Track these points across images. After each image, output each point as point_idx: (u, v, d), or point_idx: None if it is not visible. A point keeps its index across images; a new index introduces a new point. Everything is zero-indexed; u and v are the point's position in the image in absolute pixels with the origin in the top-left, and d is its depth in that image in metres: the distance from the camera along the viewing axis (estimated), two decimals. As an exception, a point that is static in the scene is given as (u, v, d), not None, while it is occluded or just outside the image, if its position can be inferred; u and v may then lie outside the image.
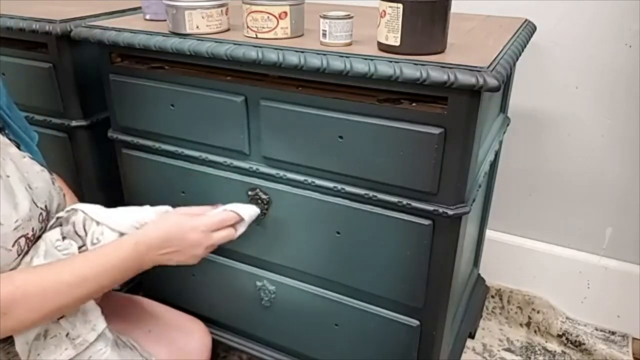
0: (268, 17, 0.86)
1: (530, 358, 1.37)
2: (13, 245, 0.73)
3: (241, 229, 0.88)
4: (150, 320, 0.96)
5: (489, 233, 1.42)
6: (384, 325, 0.98)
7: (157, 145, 1.06)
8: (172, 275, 1.18)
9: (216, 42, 0.89)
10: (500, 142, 1.19)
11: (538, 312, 1.43)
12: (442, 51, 0.80)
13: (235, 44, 0.87)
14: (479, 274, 1.45)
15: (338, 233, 0.94)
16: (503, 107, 1.19)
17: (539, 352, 1.39)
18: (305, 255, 1.00)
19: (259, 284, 1.09)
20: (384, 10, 0.77)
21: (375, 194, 0.88)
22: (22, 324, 0.69)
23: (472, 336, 1.42)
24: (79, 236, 0.82)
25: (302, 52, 0.82)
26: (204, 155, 1.02)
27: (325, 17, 0.83)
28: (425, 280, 0.91)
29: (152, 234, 0.79)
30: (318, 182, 0.92)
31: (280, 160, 0.94)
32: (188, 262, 0.83)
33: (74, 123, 1.15)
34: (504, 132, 1.19)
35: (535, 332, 1.45)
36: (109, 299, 0.89)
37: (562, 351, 1.39)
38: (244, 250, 1.07)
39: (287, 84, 0.89)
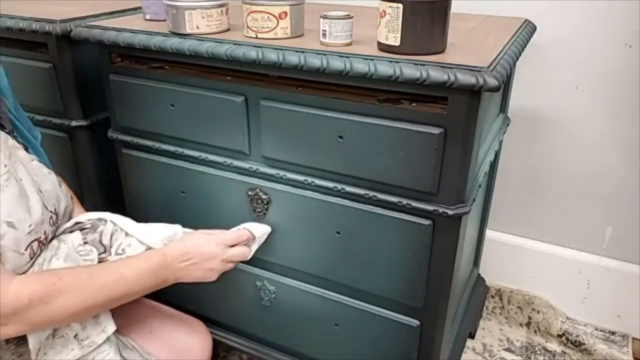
0: (268, 17, 0.86)
1: (530, 358, 1.37)
2: (26, 249, 0.73)
3: (254, 247, 0.96)
4: (151, 321, 0.96)
5: (489, 233, 1.42)
6: (384, 325, 0.98)
7: (157, 145, 1.06)
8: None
9: (216, 42, 0.89)
10: (500, 142, 1.19)
11: (538, 312, 1.43)
12: (442, 51, 0.80)
13: (235, 44, 0.87)
14: (479, 274, 1.45)
15: (338, 233, 0.94)
16: (503, 107, 1.19)
17: (539, 352, 1.39)
18: (305, 255, 1.00)
19: (259, 284, 1.09)
20: (384, 10, 0.77)
21: (375, 194, 0.88)
22: (60, 316, 0.71)
23: (472, 336, 1.42)
24: (103, 245, 0.84)
25: (302, 52, 0.82)
26: (204, 155, 1.02)
27: (325, 17, 0.83)
28: (425, 280, 0.91)
29: (176, 247, 0.85)
30: (318, 182, 0.92)
31: (280, 160, 0.94)
32: (206, 277, 0.88)
33: (74, 123, 1.15)
34: (504, 132, 1.19)
35: (535, 332, 1.45)
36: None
37: (562, 351, 1.39)
38: (244, 250, 1.07)
39: (287, 84, 0.89)
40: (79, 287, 0.71)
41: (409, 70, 0.76)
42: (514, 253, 1.45)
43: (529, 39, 1.02)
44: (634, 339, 1.37)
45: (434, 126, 0.79)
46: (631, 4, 1.11)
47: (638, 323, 1.36)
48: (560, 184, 1.34)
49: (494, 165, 1.25)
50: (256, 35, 0.89)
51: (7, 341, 0.77)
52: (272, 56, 0.83)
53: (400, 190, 0.86)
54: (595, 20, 1.15)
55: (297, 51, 0.83)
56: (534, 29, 1.09)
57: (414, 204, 0.85)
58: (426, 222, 0.86)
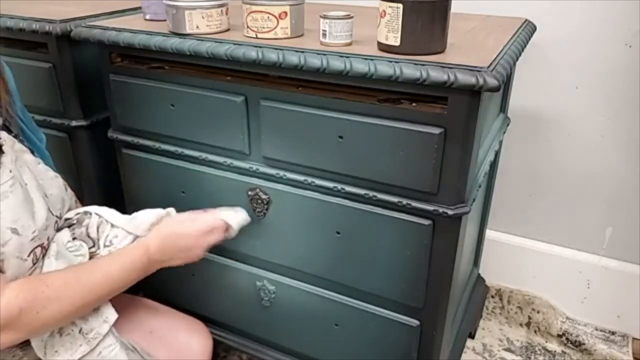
0: (268, 17, 0.86)
1: (530, 358, 1.37)
2: (29, 255, 0.73)
3: (232, 233, 0.94)
4: (151, 321, 0.96)
5: (489, 233, 1.42)
6: (384, 325, 0.98)
7: (157, 145, 1.06)
8: (172, 275, 1.18)
9: (216, 42, 0.89)
10: (500, 142, 1.19)
11: (538, 312, 1.43)
12: (442, 51, 0.80)
13: (235, 44, 0.87)
14: (479, 274, 1.45)
15: (338, 233, 0.94)
16: (503, 107, 1.19)
17: (539, 352, 1.39)
18: (305, 255, 1.00)
19: (259, 284, 1.09)
20: (384, 10, 0.77)
21: (375, 194, 0.88)
22: (52, 321, 0.73)
23: (472, 336, 1.42)
24: (91, 238, 0.84)
25: (302, 52, 0.82)
26: (204, 155, 1.02)
27: (325, 17, 0.83)
28: (425, 280, 0.91)
29: (158, 238, 0.86)
30: (318, 182, 0.92)
31: (280, 160, 0.94)
32: (190, 261, 0.90)
33: (74, 123, 1.15)
34: (504, 132, 1.19)
35: (535, 332, 1.45)
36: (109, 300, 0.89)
37: (562, 351, 1.39)
38: (244, 250, 1.07)
39: (287, 84, 0.89)
40: (67, 292, 0.73)
41: (409, 70, 0.76)
42: (514, 253, 1.45)
43: (529, 39, 1.02)
44: (634, 339, 1.37)
45: (434, 126, 0.79)
46: (631, 4, 1.11)
47: (638, 323, 1.36)
48: (560, 184, 1.34)
49: (494, 165, 1.25)
50: (256, 35, 0.89)
51: None
52: (272, 56, 0.83)
53: (400, 190, 0.86)
54: (595, 20, 1.15)
55: (297, 51, 0.83)
56: (534, 29, 1.10)
57: (414, 204, 0.85)
58: (426, 222, 0.86)
